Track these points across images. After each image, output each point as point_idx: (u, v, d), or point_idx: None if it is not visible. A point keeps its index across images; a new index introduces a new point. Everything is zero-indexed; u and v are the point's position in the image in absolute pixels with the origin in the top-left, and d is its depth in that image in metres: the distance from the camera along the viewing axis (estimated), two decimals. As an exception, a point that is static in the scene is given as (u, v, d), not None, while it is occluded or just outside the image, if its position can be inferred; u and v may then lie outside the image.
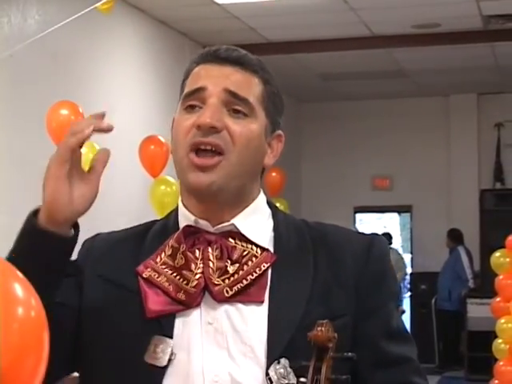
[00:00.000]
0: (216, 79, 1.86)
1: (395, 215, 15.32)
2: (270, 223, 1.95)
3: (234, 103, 1.83)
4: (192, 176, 1.83)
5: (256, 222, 1.91)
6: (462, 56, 11.96)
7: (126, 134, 8.95)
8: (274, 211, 2.00)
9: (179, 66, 10.01)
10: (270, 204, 2.03)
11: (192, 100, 1.88)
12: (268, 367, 1.78)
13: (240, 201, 1.91)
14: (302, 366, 1.64)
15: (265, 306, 1.82)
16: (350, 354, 1.64)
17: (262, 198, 1.99)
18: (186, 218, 1.92)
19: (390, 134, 14.18)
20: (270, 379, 1.73)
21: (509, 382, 8.36)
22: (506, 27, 10.58)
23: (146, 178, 8.35)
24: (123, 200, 8.89)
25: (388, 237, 13.34)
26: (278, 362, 1.77)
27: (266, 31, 10.62)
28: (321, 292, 1.85)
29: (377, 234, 2.11)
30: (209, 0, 9.34)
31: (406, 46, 11.46)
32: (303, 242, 1.92)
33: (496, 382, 8.51)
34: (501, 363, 8.52)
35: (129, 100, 9.64)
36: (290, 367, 1.73)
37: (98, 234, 2.11)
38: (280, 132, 1.94)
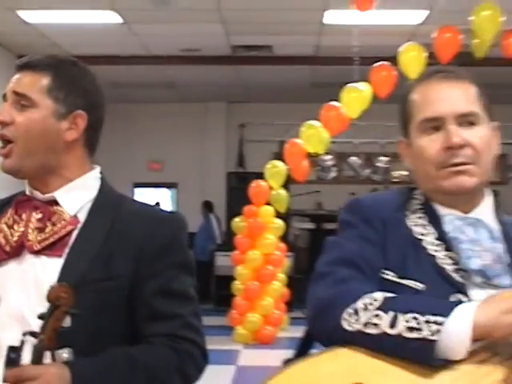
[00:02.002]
0: (11, 85, 1.80)
1: (166, 190, 15.34)
2: (92, 196, 1.84)
3: (19, 100, 1.77)
4: (2, 162, 1.80)
5: (76, 195, 1.82)
6: (216, 74, 12.14)
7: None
8: (103, 187, 1.89)
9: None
10: (103, 180, 1.91)
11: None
12: None
13: (54, 175, 1.82)
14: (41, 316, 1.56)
15: (61, 261, 1.74)
16: (74, 309, 1.54)
17: (91, 176, 1.88)
18: (27, 189, 1.86)
19: (163, 130, 14.30)
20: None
21: (243, 311, 8.73)
22: (249, 54, 10.93)
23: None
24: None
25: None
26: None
27: (69, 47, 10.28)
28: (106, 256, 1.74)
29: (174, 213, 2.03)
30: (20, 20, 9.16)
31: (176, 64, 11.46)
32: (109, 214, 1.83)
33: (234, 311, 8.90)
34: (238, 298, 8.89)
35: None
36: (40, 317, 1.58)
37: None
38: (79, 112, 1.80)
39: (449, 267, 1.57)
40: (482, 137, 1.66)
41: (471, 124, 1.65)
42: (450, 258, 1.59)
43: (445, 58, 7.21)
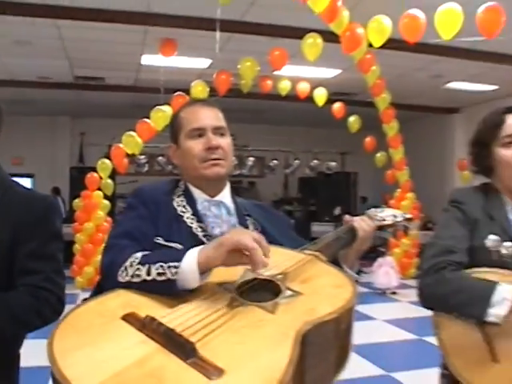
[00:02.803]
0: None
1: (26, 179, 14.61)
2: None
3: None
4: None
5: None
6: (64, 96, 11.63)
7: None
8: None
9: None
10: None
11: None
12: None
13: None
14: None
15: None
16: None
17: None
18: None
19: (24, 135, 13.26)
20: None
21: (81, 265, 8.54)
22: (87, 83, 10.65)
23: None
24: None
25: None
26: None
27: None
28: None
29: (47, 195, 1.89)
30: None
31: (33, 87, 10.77)
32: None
33: (74, 266, 8.64)
34: (77, 256, 8.70)
35: None
36: None
37: None
38: None
39: (200, 234, 1.62)
40: (228, 143, 1.74)
41: (222, 134, 1.73)
42: (201, 227, 1.64)
43: (221, 91, 7.37)
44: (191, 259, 1.36)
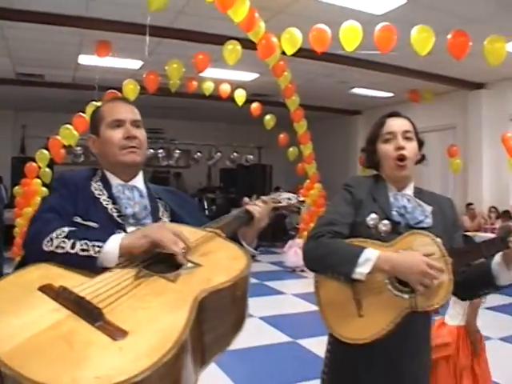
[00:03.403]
0: None
1: None
2: None
3: None
4: None
5: None
6: (6, 91, 11.00)
7: None
8: None
9: None
10: None
11: None
12: None
13: None
14: None
15: None
16: None
17: None
18: None
19: None
20: None
21: (21, 248, 8.27)
22: (28, 79, 10.23)
23: None
24: None
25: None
26: None
27: None
28: None
29: None
30: None
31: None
32: None
33: (15, 248, 8.26)
34: (17, 239, 8.25)
35: None
36: None
37: None
38: None
39: (115, 214, 1.63)
40: (143, 134, 1.75)
41: (138, 126, 1.74)
42: (116, 208, 1.65)
43: (151, 90, 7.29)
44: (114, 243, 1.39)
